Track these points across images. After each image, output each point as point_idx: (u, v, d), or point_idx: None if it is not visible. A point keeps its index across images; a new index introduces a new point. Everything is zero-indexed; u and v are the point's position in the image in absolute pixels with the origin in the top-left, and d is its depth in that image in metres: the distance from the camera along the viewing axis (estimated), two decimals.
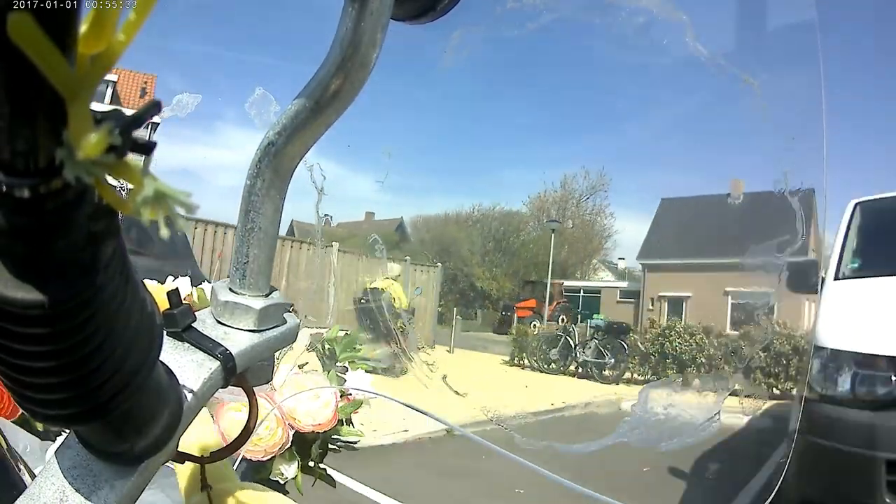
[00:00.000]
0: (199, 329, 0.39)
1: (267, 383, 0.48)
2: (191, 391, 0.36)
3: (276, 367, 0.83)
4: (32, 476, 0.61)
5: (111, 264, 0.24)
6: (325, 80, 0.37)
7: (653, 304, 28.34)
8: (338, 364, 1.10)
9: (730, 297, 26.08)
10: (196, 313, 0.40)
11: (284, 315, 0.44)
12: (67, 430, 0.35)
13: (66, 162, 0.19)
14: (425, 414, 0.96)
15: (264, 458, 0.92)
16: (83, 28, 0.19)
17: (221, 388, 0.40)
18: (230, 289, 0.42)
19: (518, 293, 28.19)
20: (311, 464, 1.03)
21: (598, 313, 27.21)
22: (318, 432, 1.00)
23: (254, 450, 0.90)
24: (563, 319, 23.90)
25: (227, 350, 0.39)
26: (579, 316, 25.08)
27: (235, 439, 0.47)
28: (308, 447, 1.02)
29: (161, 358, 0.31)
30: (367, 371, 1.15)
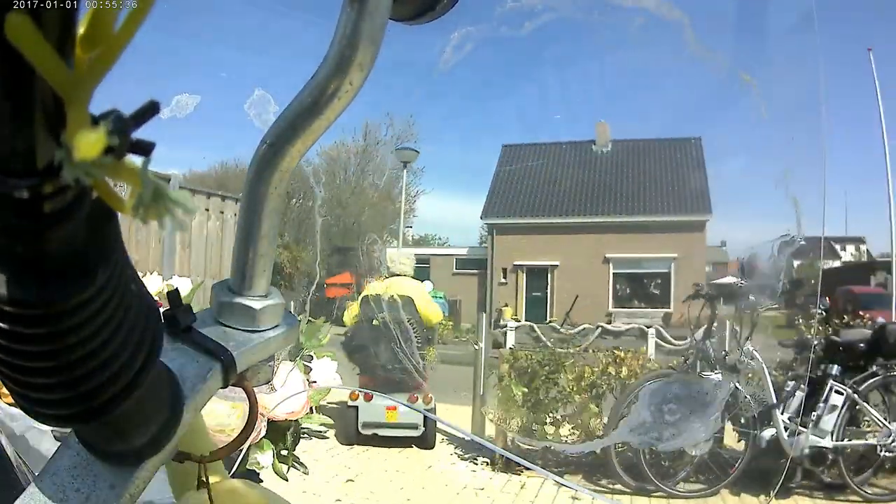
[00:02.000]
0: (199, 329, 0.39)
1: (267, 383, 0.48)
2: (191, 391, 0.37)
3: (276, 368, 0.83)
4: (32, 476, 0.61)
5: (111, 264, 0.24)
6: (323, 80, 0.37)
7: (506, 276, 22.82)
8: (303, 352, 1.11)
9: (611, 265, 22.46)
10: (196, 313, 0.40)
11: (284, 315, 0.44)
12: (68, 430, 0.35)
13: (65, 163, 0.19)
14: (413, 408, 0.98)
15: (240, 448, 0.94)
16: (81, 29, 0.19)
17: (221, 388, 0.40)
18: (230, 289, 0.42)
19: (327, 265, 22.09)
20: (285, 452, 1.04)
21: (432, 290, 24.33)
22: (291, 420, 1.02)
23: (229, 440, 0.91)
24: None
25: (226, 350, 0.39)
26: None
27: (236, 438, 0.47)
28: (281, 436, 1.03)
29: (161, 358, 0.31)
30: (332, 359, 1.16)
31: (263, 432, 0.96)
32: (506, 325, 14.90)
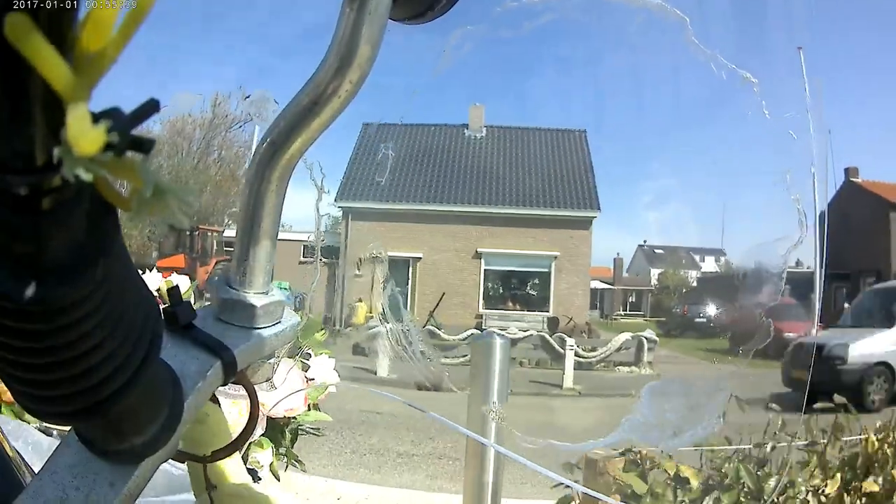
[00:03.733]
0: (200, 326, 0.39)
1: (267, 381, 0.49)
2: (191, 388, 0.37)
3: (276, 365, 0.83)
4: (32, 475, 0.61)
5: (111, 261, 0.24)
6: (323, 79, 0.38)
7: (360, 268, 18.51)
8: (300, 349, 1.11)
9: (483, 261, 19.96)
10: (196, 310, 0.40)
11: (285, 312, 0.44)
12: (68, 428, 0.35)
13: (65, 160, 0.19)
14: (410, 405, 0.96)
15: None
16: (81, 28, 0.19)
17: (222, 385, 0.40)
18: (231, 286, 0.42)
19: (158, 245, 20.23)
20: (284, 449, 1.04)
21: (274, 279, 22.12)
22: (290, 417, 1.02)
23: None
24: None
25: (227, 347, 0.39)
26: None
27: (237, 437, 0.47)
28: (280, 433, 1.04)
29: (161, 355, 0.31)
30: (329, 356, 1.15)
31: (262, 430, 0.95)
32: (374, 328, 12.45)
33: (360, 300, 18.03)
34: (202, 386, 0.37)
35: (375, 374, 9.40)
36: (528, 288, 20.78)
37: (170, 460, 0.42)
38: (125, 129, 0.20)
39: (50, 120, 0.19)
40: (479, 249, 20.03)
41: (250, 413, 0.46)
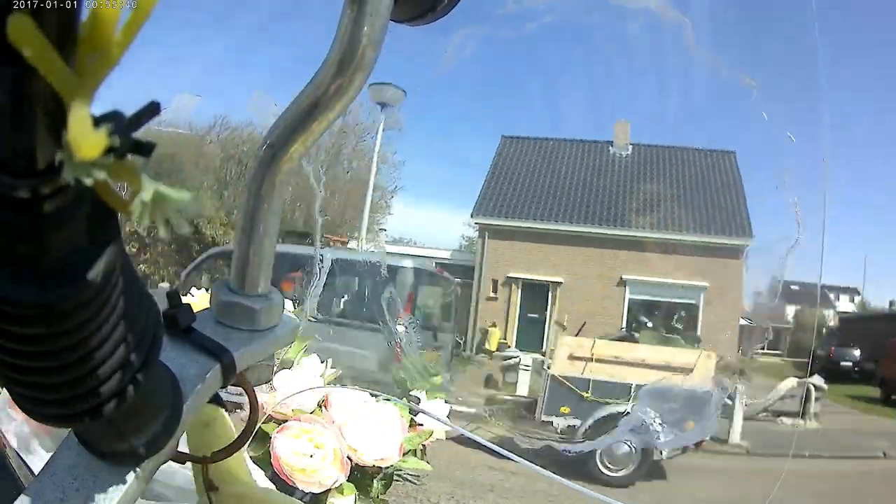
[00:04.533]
0: (199, 329, 0.39)
1: (266, 383, 0.48)
2: (190, 391, 0.37)
3: (275, 367, 0.83)
4: (32, 475, 0.61)
5: (111, 265, 0.24)
6: (324, 80, 0.37)
7: (496, 291, 18.10)
8: (411, 392, 0.98)
9: (627, 289, 18.01)
10: (196, 313, 0.40)
11: (284, 315, 0.44)
12: (67, 430, 0.35)
13: (66, 163, 0.19)
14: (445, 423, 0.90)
15: (318, 491, 0.84)
16: (83, 29, 0.19)
17: (221, 388, 0.40)
18: (230, 289, 0.42)
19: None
20: (372, 499, 0.91)
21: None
22: (382, 466, 0.88)
23: (307, 481, 0.84)
24: None
25: (226, 350, 0.39)
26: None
27: (237, 439, 0.47)
28: (368, 480, 0.90)
29: (161, 358, 0.31)
30: (445, 401, 0.98)
31: (345, 477, 0.85)
32: (512, 359, 10.32)
33: (494, 325, 16.85)
34: (201, 388, 0.37)
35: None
36: (675, 321, 18.15)
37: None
38: (126, 132, 0.19)
39: (51, 122, 0.19)
40: (623, 276, 18.09)
41: (250, 415, 0.46)
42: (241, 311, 0.41)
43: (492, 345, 15.26)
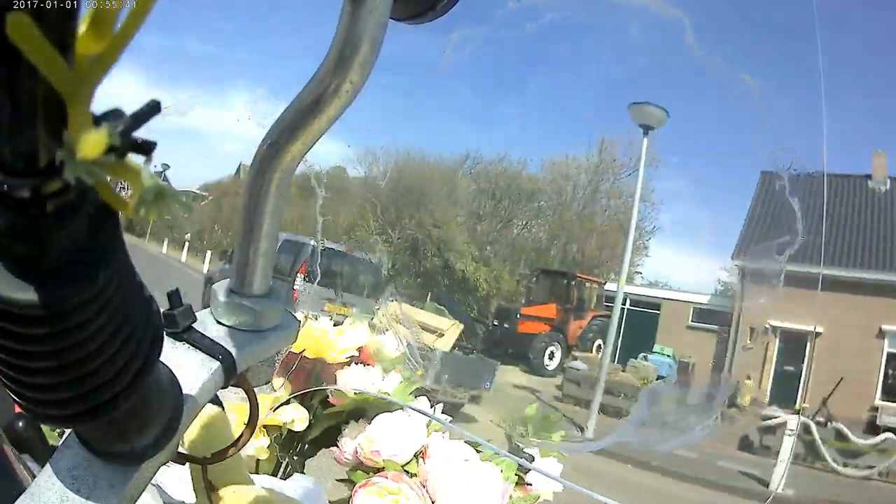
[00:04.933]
0: (200, 329, 0.39)
1: (267, 383, 0.48)
2: (191, 391, 0.36)
3: (276, 368, 0.82)
4: (33, 476, 0.61)
5: (112, 265, 0.24)
6: (324, 79, 0.37)
7: (752, 338, 16.07)
8: (524, 449, 0.87)
9: (886, 342, 15.55)
10: (196, 314, 0.40)
11: (285, 315, 0.44)
12: (68, 430, 0.35)
13: (67, 162, 0.19)
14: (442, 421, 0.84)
15: None
16: (82, 28, 0.19)
17: (222, 388, 0.40)
18: (230, 289, 0.42)
19: (526, 290, 17.08)
20: None
21: (657, 344, 15.97)
22: None
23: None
24: (599, 347, 14.83)
25: (227, 350, 0.39)
26: (619, 343, 14.34)
27: (236, 440, 0.47)
28: None
29: (161, 358, 0.31)
30: (559, 461, 0.87)
31: None
32: (773, 419, 9.04)
33: (749, 377, 15.11)
34: (202, 389, 0.37)
35: (767, 485, 6.88)
36: None
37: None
38: (127, 131, 0.19)
39: (52, 121, 0.19)
40: (883, 327, 15.67)
41: (250, 415, 0.46)
42: (241, 311, 0.41)
43: (745, 399, 13.62)
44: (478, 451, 0.80)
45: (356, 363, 0.89)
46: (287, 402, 0.83)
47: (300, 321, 0.46)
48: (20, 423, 0.57)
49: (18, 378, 0.25)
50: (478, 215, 19.86)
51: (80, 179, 0.19)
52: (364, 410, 0.85)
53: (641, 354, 14.41)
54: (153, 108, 0.21)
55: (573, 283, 16.15)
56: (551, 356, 14.73)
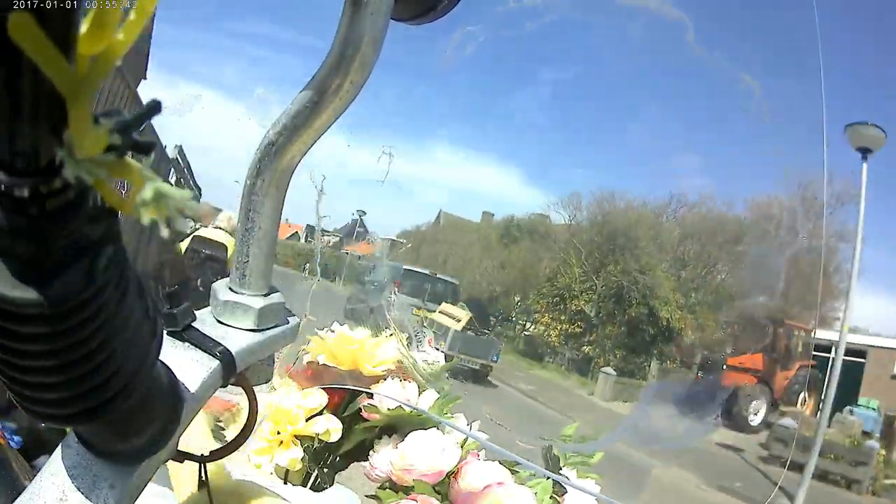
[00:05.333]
0: (200, 328, 0.39)
1: (266, 382, 0.48)
2: (190, 390, 0.36)
3: (275, 367, 0.82)
4: (33, 475, 0.61)
5: (112, 264, 0.24)
6: (325, 79, 0.37)
7: None
8: (562, 470, 0.83)
9: None
10: (196, 313, 0.40)
11: (284, 314, 0.44)
12: (68, 430, 0.35)
13: (67, 162, 0.19)
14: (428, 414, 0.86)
15: None
16: (83, 28, 0.19)
17: (221, 387, 0.40)
18: (230, 288, 0.42)
19: (731, 340, 15.68)
20: None
21: (862, 397, 13.94)
22: None
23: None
24: (804, 400, 13.92)
25: (226, 349, 0.39)
26: (823, 395, 11.82)
27: (235, 438, 0.47)
28: None
29: (161, 357, 0.31)
30: (597, 482, 0.83)
31: None
32: None
33: None
34: (201, 388, 0.37)
35: None
36: None
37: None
38: (127, 131, 0.19)
39: (52, 120, 0.19)
40: None
41: (249, 414, 0.46)
42: (241, 310, 0.41)
43: None
44: (513, 472, 0.78)
45: (392, 377, 0.87)
46: (320, 413, 0.82)
47: (299, 320, 0.46)
48: (41, 424, 0.57)
49: (18, 377, 0.25)
50: (682, 261, 18.71)
51: (80, 178, 0.19)
52: (398, 425, 0.83)
53: (847, 408, 12.50)
54: (153, 109, 0.21)
55: (780, 330, 14.45)
56: (756, 411, 13.25)
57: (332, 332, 0.90)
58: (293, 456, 0.80)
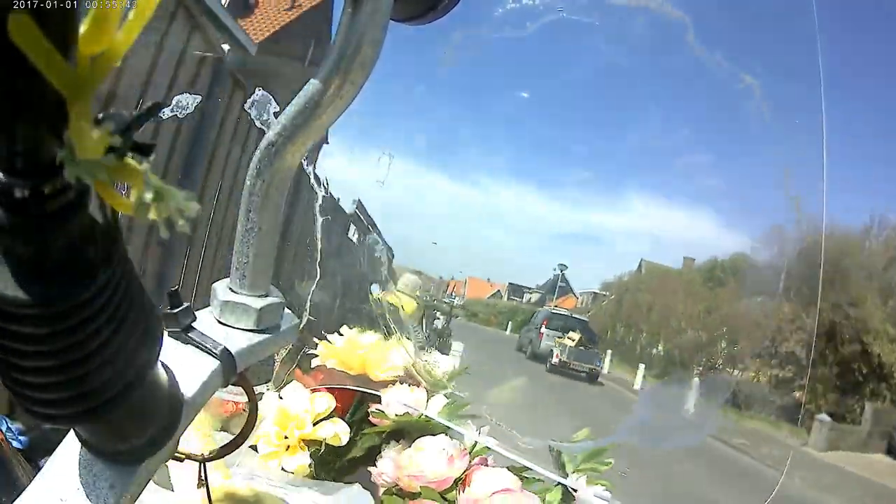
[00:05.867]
0: (200, 329, 0.39)
1: (266, 383, 0.49)
2: (191, 391, 0.36)
3: (275, 367, 0.82)
4: (33, 475, 0.61)
5: (111, 264, 0.24)
6: (325, 79, 0.37)
7: None
8: (570, 475, 0.82)
9: None
10: (196, 313, 0.40)
11: (284, 315, 0.44)
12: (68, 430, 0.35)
13: (67, 162, 0.19)
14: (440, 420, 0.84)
15: None
16: (83, 29, 0.19)
17: (221, 387, 0.40)
18: (230, 288, 0.42)
19: None
20: None
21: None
22: None
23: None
24: None
25: (226, 349, 0.39)
26: None
27: (235, 438, 0.47)
28: None
29: (161, 357, 0.31)
30: (606, 489, 0.82)
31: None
32: None
33: None
34: (201, 388, 0.37)
35: None
36: None
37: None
38: (127, 132, 0.19)
39: (52, 121, 0.19)
40: None
41: (249, 414, 0.46)
42: (241, 310, 0.41)
43: None
44: (523, 478, 0.77)
45: (402, 382, 0.86)
46: (328, 417, 0.81)
47: (299, 321, 0.46)
48: (48, 427, 0.57)
49: (18, 377, 0.25)
50: (889, 288, 16.49)
51: (80, 179, 0.19)
52: (406, 431, 0.82)
53: None
54: (153, 110, 0.21)
55: None
56: None
57: (341, 335, 0.90)
58: (300, 462, 0.80)
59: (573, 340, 15.89)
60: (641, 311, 21.18)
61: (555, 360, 14.80)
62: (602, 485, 0.82)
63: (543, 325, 16.89)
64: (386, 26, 0.37)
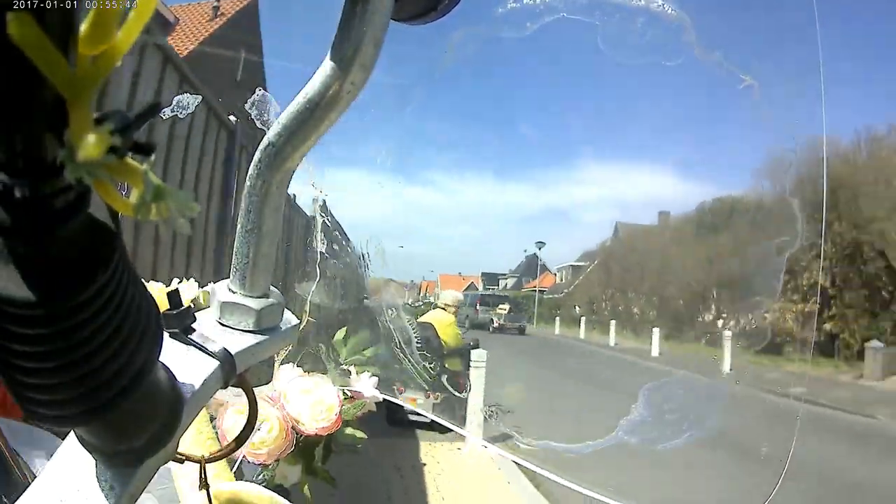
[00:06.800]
0: (199, 329, 0.39)
1: (267, 383, 0.48)
2: (190, 391, 0.36)
3: (275, 368, 0.83)
4: (33, 476, 0.61)
5: (112, 264, 0.24)
6: (325, 79, 0.37)
7: None
8: (342, 366, 1.05)
9: None
10: (196, 314, 0.40)
11: (284, 315, 0.44)
12: (68, 431, 0.35)
13: (67, 162, 0.19)
14: (434, 419, 0.95)
15: (268, 462, 0.90)
16: (83, 29, 0.19)
17: (221, 388, 0.40)
18: (230, 289, 0.42)
19: None
20: (315, 466, 1.01)
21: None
22: (322, 435, 0.98)
23: (258, 453, 0.89)
24: None
25: (226, 350, 0.39)
26: None
27: (235, 439, 0.47)
28: (311, 450, 0.99)
29: (161, 358, 0.31)
30: (372, 374, 1.09)
31: (293, 447, 0.94)
32: None
33: None
34: (201, 389, 0.37)
35: None
36: None
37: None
38: (128, 132, 0.19)
39: (53, 121, 0.19)
40: None
41: (249, 415, 0.46)
42: (240, 311, 0.41)
43: None
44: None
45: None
46: None
47: (299, 322, 0.45)
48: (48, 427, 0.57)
49: (18, 378, 0.25)
50: None
51: (81, 179, 0.19)
52: None
53: None
54: (153, 109, 0.21)
55: None
56: None
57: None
58: None
59: (505, 310, 22.67)
60: (633, 273, 20.57)
61: (496, 324, 20.80)
62: (368, 371, 1.09)
63: (477, 304, 22.10)
64: (386, 26, 0.37)
